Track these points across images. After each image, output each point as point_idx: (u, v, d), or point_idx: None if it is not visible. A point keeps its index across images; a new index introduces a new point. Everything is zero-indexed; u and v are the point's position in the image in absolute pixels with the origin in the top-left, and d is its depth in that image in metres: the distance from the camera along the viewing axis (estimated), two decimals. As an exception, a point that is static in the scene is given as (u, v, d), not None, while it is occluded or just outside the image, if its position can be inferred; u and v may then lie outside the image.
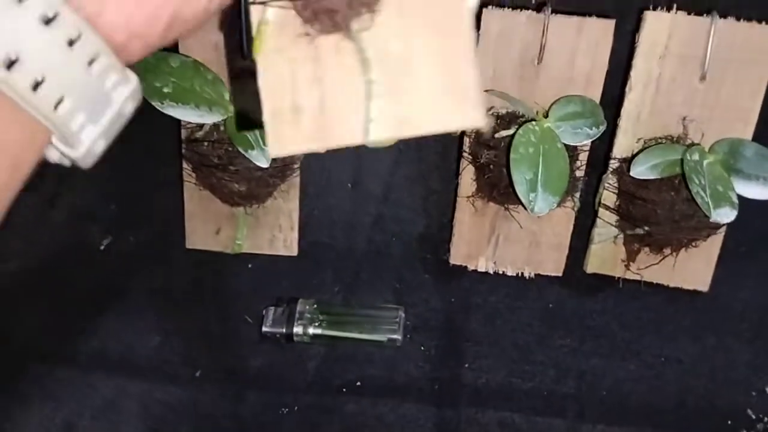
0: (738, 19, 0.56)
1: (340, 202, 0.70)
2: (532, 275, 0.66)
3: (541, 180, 0.55)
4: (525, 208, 0.56)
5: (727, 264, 0.62)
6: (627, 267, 0.63)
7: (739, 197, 0.56)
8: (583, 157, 0.61)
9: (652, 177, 0.57)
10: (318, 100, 0.30)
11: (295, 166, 0.66)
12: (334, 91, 0.30)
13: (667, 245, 0.61)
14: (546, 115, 0.58)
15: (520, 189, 0.55)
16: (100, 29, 0.27)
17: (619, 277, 0.64)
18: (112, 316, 0.66)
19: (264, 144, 0.61)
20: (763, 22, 0.56)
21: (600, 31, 0.57)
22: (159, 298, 0.68)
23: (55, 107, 0.26)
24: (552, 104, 0.58)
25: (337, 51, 0.30)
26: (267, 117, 0.31)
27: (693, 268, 0.62)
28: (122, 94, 0.29)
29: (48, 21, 0.25)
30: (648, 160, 0.57)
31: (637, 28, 0.58)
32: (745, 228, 0.60)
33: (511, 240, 0.65)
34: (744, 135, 0.58)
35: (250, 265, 0.69)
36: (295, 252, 0.69)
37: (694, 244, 0.60)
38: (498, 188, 0.61)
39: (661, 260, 0.62)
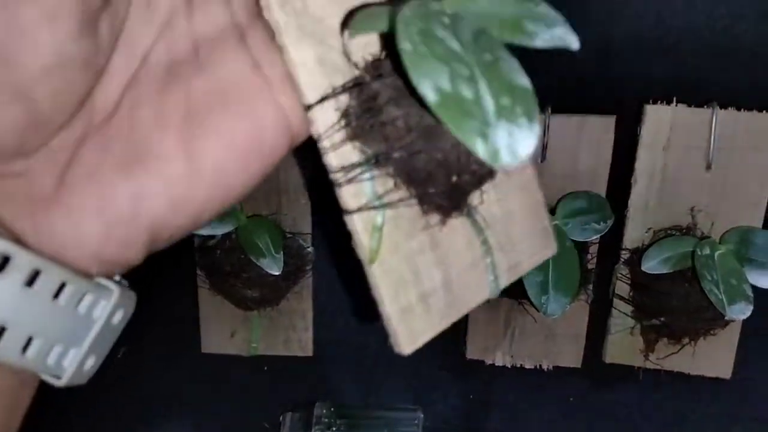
0: (738, 109, 0.56)
1: (353, 298, 0.70)
2: (551, 368, 0.65)
3: (552, 282, 0.55)
4: (538, 311, 0.55)
5: (749, 349, 0.61)
6: (646, 357, 0.62)
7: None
8: (594, 249, 0.61)
9: (663, 271, 0.56)
10: (442, 280, 0.31)
11: (308, 267, 0.67)
12: (456, 266, 0.31)
13: (685, 335, 0.60)
14: (552, 213, 0.59)
15: (532, 292, 0.55)
16: (67, 262, 0.24)
17: (639, 367, 0.63)
18: (131, 422, 0.66)
19: (275, 252, 0.62)
20: (764, 111, 0.56)
21: (601, 128, 0.58)
22: (176, 403, 0.68)
23: (23, 351, 0.24)
24: (558, 201, 0.59)
25: (452, 228, 0.31)
26: (395, 319, 0.29)
27: (713, 356, 0.61)
28: (105, 310, 0.26)
29: (1, 267, 0.23)
30: (659, 254, 0.57)
31: (638, 121, 0.59)
32: (765, 310, 0.59)
33: (527, 333, 0.64)
34: (753, 222, 0.57)
35: (266, 368, 0.69)
36: (310, 352, 0.69)
37: (712, 332, 0.60)
38: (512, 283, 0.61)
39: (680, 349, 0.61)
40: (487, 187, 0.31)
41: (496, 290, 0.33)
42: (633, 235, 0.60)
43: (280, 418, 0.64)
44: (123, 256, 0.25)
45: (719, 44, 0.59)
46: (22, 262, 0.23)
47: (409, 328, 0.30)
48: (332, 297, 0.69)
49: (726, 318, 0.53)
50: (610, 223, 0.58)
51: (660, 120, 0.57)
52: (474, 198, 0.31)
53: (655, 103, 0.57)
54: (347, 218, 0.27)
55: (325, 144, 0.26)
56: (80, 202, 0.24)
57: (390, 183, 0.28)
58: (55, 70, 0.22)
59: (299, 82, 0.26)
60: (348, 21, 0.28)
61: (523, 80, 0.25)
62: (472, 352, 0.66)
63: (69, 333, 0.25)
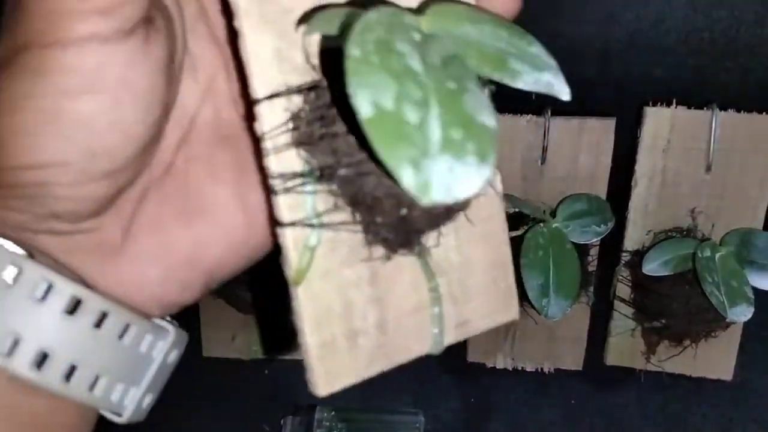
0: (738, 110, 0.56)
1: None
2: (552, 370, 0.65)
3: (553, 285, 0.55)
4: (539, 314, 0.55)
5: (750, 350, 0.61)
6: (647, 359, 0.62)
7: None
8: (594, 252, 0.61)
9: (664, 273, 0.56)
10: (377, 321, 0.28)
11: (308, 270, 0.67)
12: (396, 308, 0.28)
13: (686, 336, 0.60)
14: (553, 215, 0.58)
15: (532, 295, 0.54)
16: (131, 305, 0.26)
17: (640, 369, 0.63)
18: (132, 427, 0.66)
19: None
20: (764, 113, 0.56)
21: (601, 130, 0.58)
22: (177, 407, 0.68)
23: (91, 389, 0.25)
24: (558, 204, 0.59)
25: (398, 266, 0.28)
26: (313, 353, 0.26)
27: (715, 358, 0.61)
28: (161, 350, 0.28)
29: (72, 311, 0.24)
30: (659, 256, 0.57)
31: (637, 123, 0.59)
32: (765, 312, 0.59)
33: (528, 335, 0.64)
34: (753, 224, 0.57)
35: (266, 371, 0.69)
36: (311, 355, 0.68)
37: (713, 334, 0.59)
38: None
39: (681, 351, 0.61)
40: (446, 230, 0.29)
41: (438, 346, 0.29)
42: (633, 237, 0.60)
43: (281, 422, 0.64)
44: (182, 298, 0.27)
45: (719, 46, 0.59)
46: (93, 305, 0.24)
47: (329, 366, 0.26)
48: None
49: (727, 320, 0.53)
50: (610, 225, 0.58)
51: (660, 122, 0.57)
52: (429, 239, 0.28)
53: (654, 104, 0.57)
54: (278, 230, 0.25)
55: (267, 145, 0.24)
56: (144, 251, 0.26)
57: (332, 202, 0.25)
58: (139, 151, 0.24)
59: (250, 72, 0.24)
60: (309, 17, 0.26)
61: (487, 118, 0.23)
62: (473, 355, 0.66)
63: (131, 371, 0.27)
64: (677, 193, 0.58)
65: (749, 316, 0.53)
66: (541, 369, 0.65)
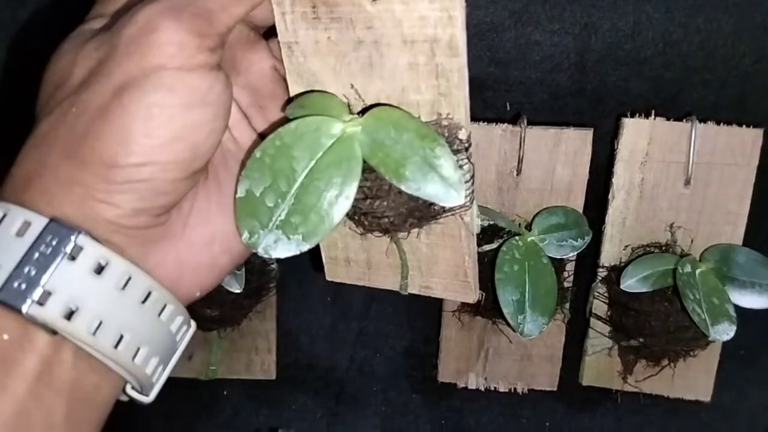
0: (718, 123, 0.55)
1: (320, 318, 0.66)
2: (526, 390, 0.62)
3: (528, 300, 0.52)
4: (514, 331, 0.53)
5: (728, 370, 0.59)
6: (624, 379, 0.60)
7: (735, 300, 0.53)
8: (570, 267, 0.59)
9: (643, 290, 0.54)
10: (365, 259, 0.42)
11: (271, 285, 0.63)
12: (378, 258, 0.41)
13: (664, 356, 0.58)
14: (528, 227, 0.56)
15: (508, 311, 0.52)
16: (181, 287, 0.32)
17: (616, 390, 0.61)
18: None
19: (237, 268, 0.58)
20: (743, 126, 0.55)
21: (578, 141, 0.56)
22: (130, 429, 0.64)
23: (133, 358, 0.29)
24: (534, 216, 0.56)
25: (382, 240, 0.40)
26: (325, 260, 0.42)
27: (693, 378, 0.59)
28: (185, 338, 0.33)
29: (124, 286, 0.29)
30: (637, 272, 0.55)
31: (615, 135, 0.57)
32: (743, 330, 0.57)
33: (502, 354, 0.62)
34: (733, 239, 0.56)
35: (225, 392, 0.65)
36: (273, 375, 0.65)
37: (692, 354, 0.57)
38: (486, 302, 0.58)
39: (659, 371, 0.59)
40: (419, 231, 0.39)
41: (404, 290, 0.42)
42: (611, 252, 0.58)
43: (240, 447, 0.60)
44: (216, 282, 0.35)
45: (697, 57, 0.58)
46: (139, 283, 0.30)
47: (334, 269, 0.43)
48: (297, 317, 0.66)
49: (709, 339, 0.51)
50: (587, 239, 0.56)
51: (638, 133, 0.56)
52: (401, 233, 0.39)
53: (632, 116, 0.56)
54: None
55: None
56: (198, 239, 0.33)
57: None
58: (213, 154, 0.32)
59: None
60: (299, 96, 0.36)
61: (334, 211, 0.32)
62: (444, 375, 0.63)
63: (165, 349, 0.31)
64: (655, 207, 0.57)
65: (731, 334, 0.51)
66: (515, 389, 0.62)
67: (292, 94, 0.36)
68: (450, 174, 0.32)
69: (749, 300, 0.53)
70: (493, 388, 0.62)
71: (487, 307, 0.58)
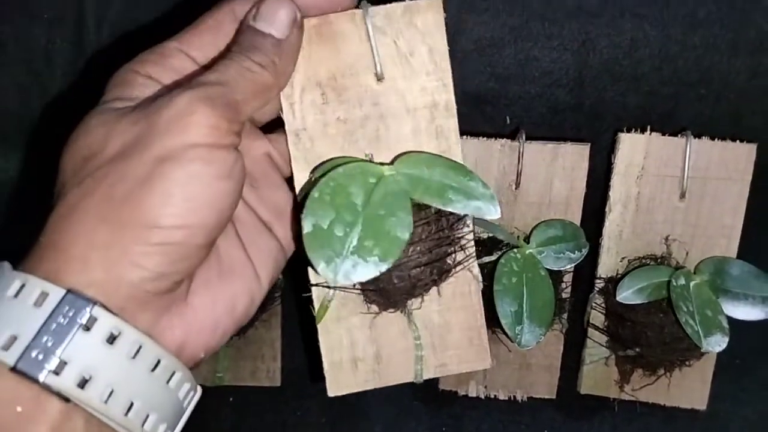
0: (712, 138, 0.56)
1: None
2: (525, 398, 0.63)
3: (526, 312, 0.54)
4: (512, 341, 0.54)
5: (723, 379, 0.60)
6: (621, 388, 0.61)
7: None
8: (568, 278, 0.60)
9: (638, 301, 0.55)
10: (373, 353, 0.42)
11: (277, 294, 0.65)
12: (388, 348, 0.42)
13: (660, 365, 0.59)
14: (527, 240, 0.58)
15: (506, 322, 0.53)
16: (187, 350, 0.34)
17: (614, 399, 0.62)
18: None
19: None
20: (737, 141, 0.56)
21: (575, 156, 0.57)
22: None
23: (143, 425, 0.31)
24: (533, 229, 0.58)
25: (389, 319, 0.42)
26: (326, 368, 0.41)
27: (689, 387, 0.60)
28: (191, 404, 0.34)
29: (135, 355, 0.30)
30: (633, 284, 0.56)
31: (612, 149, 0.58)
32: (739, 339, 0.59)
33: (501, 362, 0.63)
34: (728, 252, 0.57)
35: (231, 399, 0.67)
36: (278, 383, 0.66)
37: (687, 363, 0.59)
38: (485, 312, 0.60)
39: (655, 380, 0.60)
40: (429, 298, 0.41)
41: (420, 378, 0.43)
42: (607, 263, 0.59)
43: (246, 453, 0.62)
44: (220, 344, 0.37)
45: (692, 73, 0.59)
46: (149, 351, 0.31)
47: (336, 378, 0.42)
48: (302, 326, 0.67)
49: (702, 350, 0.52)
50: (585, 251, 0.57)
51: (634, 148, 0.57)
52: (414, 303, 0.41)
53: (629, 131, 0.57)
54: (311, 287, 0.41)
55: None
56: (201, 304, 0.35)
57: None
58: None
59: (297, 189, 0.40)
60: (320, 167, 0.40)
61: (401, 232, 0.36)
62: (445, 383, 0.64)
63: (173, 415, 0.33)
64: (651, 220, 0.58)
65: (724, 346, 0.52)
66: (514, 397, 0.64)
67: (297, 178, 0.40)
68: (486, 192, 0.38)
69: (743, 312, 0.54)
70: (493, 396, 0.64)
71: (487, 317, 0.60)
